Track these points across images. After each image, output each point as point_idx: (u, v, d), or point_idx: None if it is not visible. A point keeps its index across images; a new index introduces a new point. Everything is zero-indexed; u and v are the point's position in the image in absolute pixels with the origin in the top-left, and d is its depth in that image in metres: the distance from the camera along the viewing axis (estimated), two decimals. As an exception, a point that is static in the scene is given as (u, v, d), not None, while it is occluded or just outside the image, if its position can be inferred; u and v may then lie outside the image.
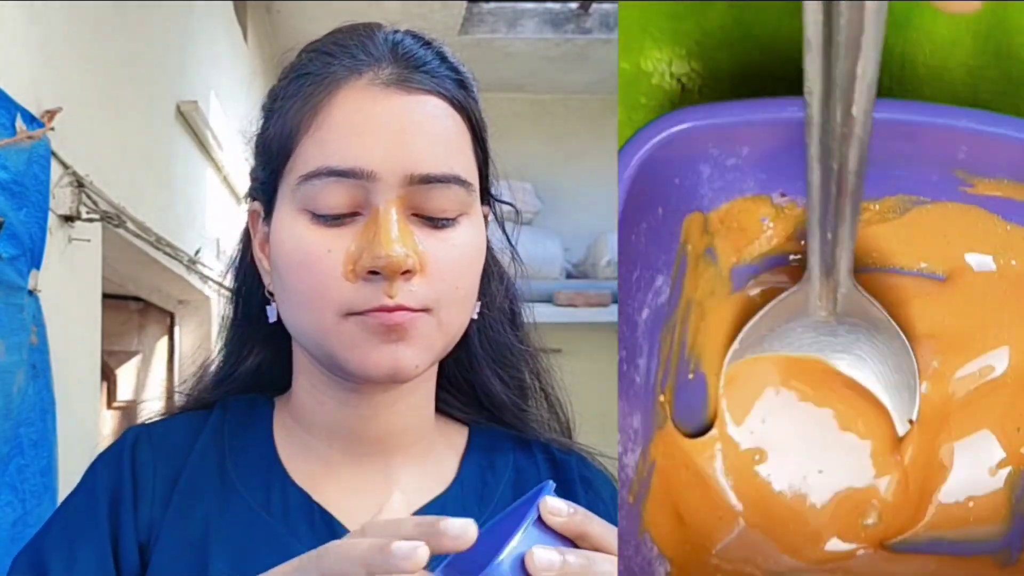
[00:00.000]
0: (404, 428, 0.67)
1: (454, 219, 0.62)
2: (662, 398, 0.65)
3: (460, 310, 0.63)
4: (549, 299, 3.82)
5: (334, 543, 0.49)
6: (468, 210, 0.63)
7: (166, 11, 2.21)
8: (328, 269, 0.60)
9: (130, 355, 2.55)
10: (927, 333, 0.66)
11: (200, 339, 2.73)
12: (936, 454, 0.66)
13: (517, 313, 0.74)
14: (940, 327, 0.66)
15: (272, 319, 0.66)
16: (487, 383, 0.72)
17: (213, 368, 0.73)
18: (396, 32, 0.65)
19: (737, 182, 0.64)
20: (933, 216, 0.64)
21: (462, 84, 0.64)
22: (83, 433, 1.60)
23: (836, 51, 0.52)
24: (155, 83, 2.17)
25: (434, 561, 0.48)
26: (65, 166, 1.48)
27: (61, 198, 1.48)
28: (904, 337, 0.65)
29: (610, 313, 3.75)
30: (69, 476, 1.36)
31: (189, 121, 2.37)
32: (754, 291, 0.66)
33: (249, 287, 0.71)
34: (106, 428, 2.26)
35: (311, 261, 0.60)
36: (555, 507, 0.49)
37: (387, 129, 0.60)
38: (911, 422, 0.66)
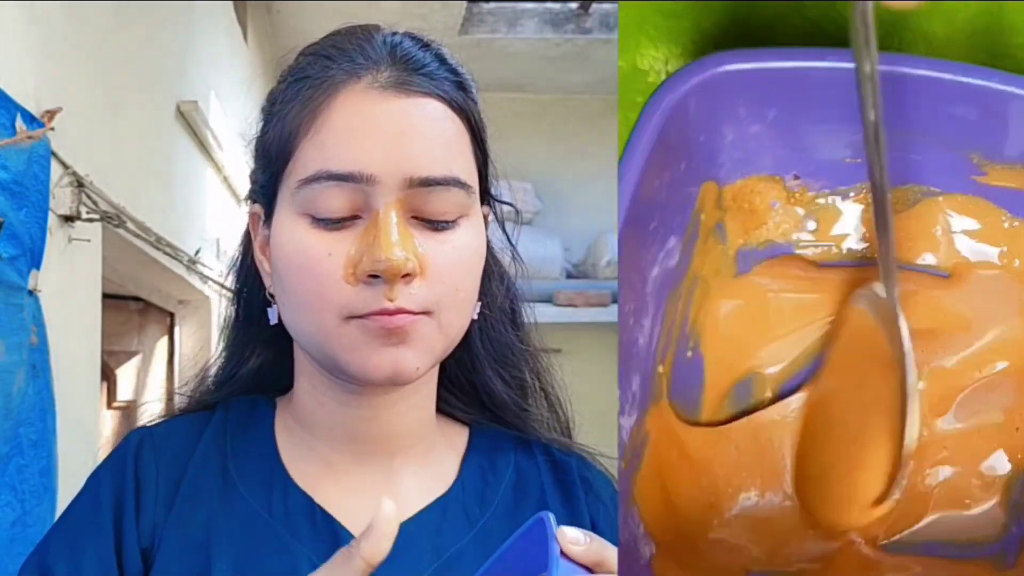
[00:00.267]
0: (405, 429, 0.67)
1: (454, 221, 0.62)
2: (661, 368, 0.65)
3: (460, 312, 0.63)
4: (549, 299, 3.82)
5: None
6: (468, 212, 0.63)
7: (166, 11, 2.21)
8: (328, 273, 0.60)
9: (130, 355, 2.55)
10: (928, 328, 0.66)
11: (200, 339, 2.73)
12: (934, 453, 0.66)
13: (518, 313, 0.74)
14: (941, 323, 0.66)
15: (273, 321, 0.66)
16: (489, 383, 0.72)
17: (214, 370, 0.73)
18: (395, 34, 0.65)
19: (756, 157, 0.64)
20: (942, 209, 0.64)
21: (461, 86, 0.64)
22: (83, 433, 1.60)
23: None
24: (155, 83, 2.17)
25: None
26: (65, 166, 1.48)
27: (61, 198, 1.48)
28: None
29: (610, 313, 3.75)
30: (69, 476, 1.36)
31: (189, 121, 2.37)
32: (760, 277, 0.66)
33: (250, 289, 0.71)
34: (106, 428, 2.26)
35: (311, 265, 0.60)
36: (574, 537, 0.49)
37: (386, 132, 0.60)
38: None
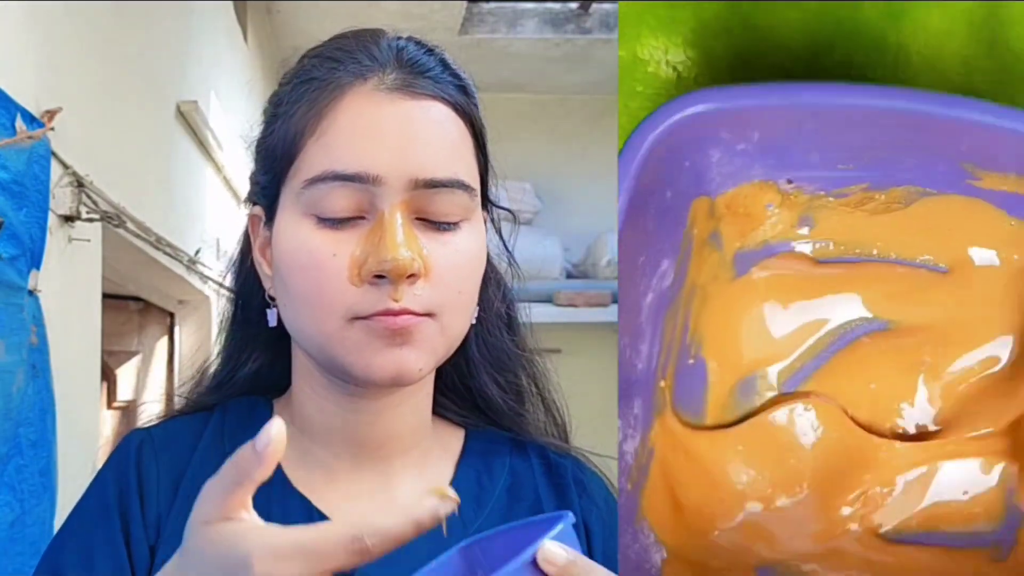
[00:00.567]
0: (403, 432, 0.67)
1: (457, 224, 0.62)
2: (663, 384, 0.65)
3: (462, 315, 0.63)
4: (549, 299, 3.81)
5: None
6: (470, 215, 0.63)
7: (166, 11, 2.21)
8: (333, 273, 0.60)
9: (130, 355, 2.55)
10: (926, 325, 0.66)
11: (200, 339, 2.73)
12: (934, 446, 0.67)
13: (513, 318, 0.75)
14: (939, 320, 0.66)
15: (272, 323, 0.66)
16: (484, 388, 0.72)
17: (211, 371, 0.73)
18: (399, 38, 0.65)
19: (745, 168, 0.64)
20: (938, 208, 0.64)
21: (464, 90, 0.65)
22: (82, 433, 1.60)
23: None
24: (155, 83, 2.17)
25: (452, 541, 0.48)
26: (65, 166, 1.48)
27: (61, 198, 1.48)
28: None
29: (610, 313, 3.75)
30: (68, 476, 1.36)
31: (189, 121, 2.37)
32: (759, 276, 0.67)
33: (249, 291, 0.71)
34: (106, 428, 2.26)
35: (316, 265, 0.60)
36: (552, 554, 0.47)
37: (393, 134, 0.60)
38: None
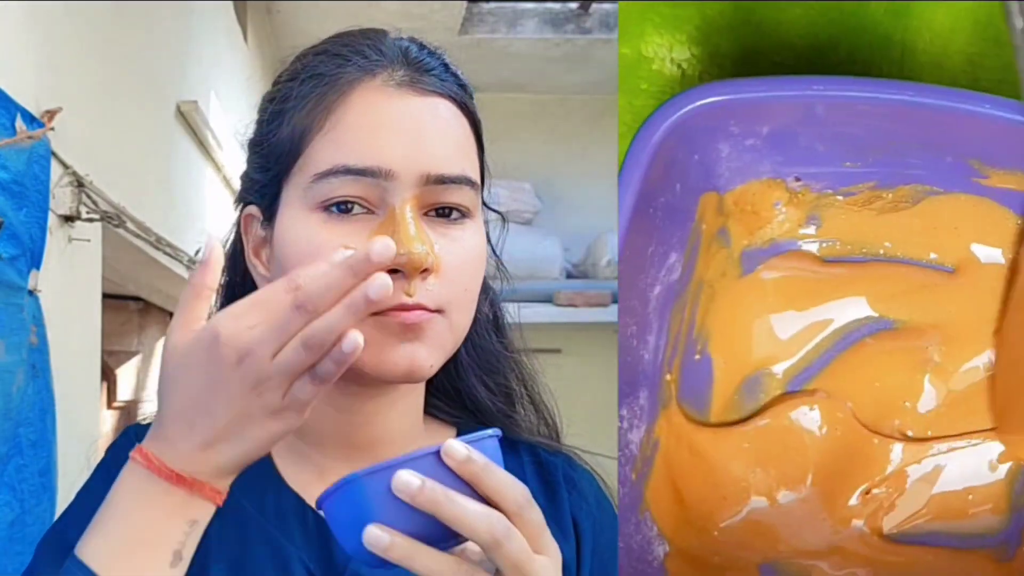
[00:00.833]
0: (396, 432, 0.67)
1: (463, 221, 0.62)
2: (668, 377, 0.65)
3: (467, 312, 0.64)
4: (549, 299, 3.81)
5: None
6: (474, 213, 0.63)
7: (166, 11, 2.21)
8: None
9: (130, 355, 2.54)
10: (932, 324, 0.66)
11: (200, 339, 2.72)
12: (938, 446, 0.66)
13: (500, 319, 0.74)
14: (945, 319, 0.66)
15: None
16: (473, 390, 0.72)
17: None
18: (401, 39, 0.65)
19: (754, 164, 0.64)
20: (945, 206, 0.64)
21: (465, 90, 0.65)
22: (82, 433, 1.59)
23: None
24: (155, 83, 2.17)
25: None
26: (65, 166, 1.48)
27: (61, 198, 1.47)
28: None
29: (610, 313, 3.74)
30: (68, 476, 1.35)
31: (189, 121, 2.36)
32: (766, 275, 0.66)
33: (243, 293, 0.70)
34: (106, 428, 2.26)
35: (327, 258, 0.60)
36: (453, 450, 0.51)
37: (404, 129, 0.60)
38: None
